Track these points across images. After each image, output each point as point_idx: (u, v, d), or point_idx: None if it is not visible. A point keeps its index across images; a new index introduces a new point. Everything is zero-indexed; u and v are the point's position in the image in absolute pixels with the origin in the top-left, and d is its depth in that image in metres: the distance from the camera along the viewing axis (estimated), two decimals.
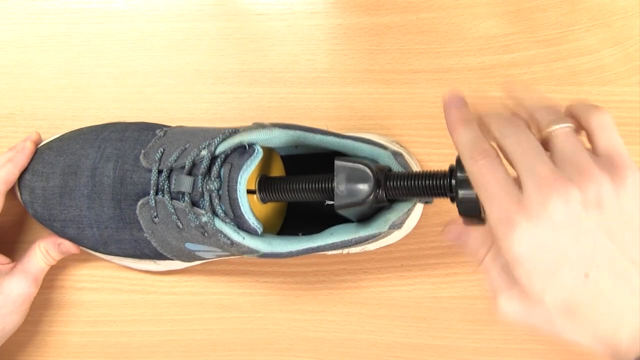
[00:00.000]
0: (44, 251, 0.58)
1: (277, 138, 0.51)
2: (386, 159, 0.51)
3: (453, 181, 0.45)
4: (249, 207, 0.49)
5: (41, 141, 0.60)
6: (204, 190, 0.49)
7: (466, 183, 0.43)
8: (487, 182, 0.38)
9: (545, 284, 0.37)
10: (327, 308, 0.62)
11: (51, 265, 0.59)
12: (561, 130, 0.39)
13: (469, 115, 0.41)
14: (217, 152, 0.50)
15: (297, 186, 0.51)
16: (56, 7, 0.63)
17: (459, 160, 0.44)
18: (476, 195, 0.43)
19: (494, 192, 0.38)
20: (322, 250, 0.52)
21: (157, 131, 0.56)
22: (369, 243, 0.53)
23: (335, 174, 0.49)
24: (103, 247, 0.58)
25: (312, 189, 0.51)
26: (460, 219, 0.44)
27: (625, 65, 0.61)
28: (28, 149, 0.58)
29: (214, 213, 0.49)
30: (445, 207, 0.60)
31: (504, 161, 0.39)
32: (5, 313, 0.56)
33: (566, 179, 0.36)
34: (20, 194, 0.59)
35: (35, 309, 0.62)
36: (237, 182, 0.48)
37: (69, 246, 0.59)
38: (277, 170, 0.57)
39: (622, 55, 0.61)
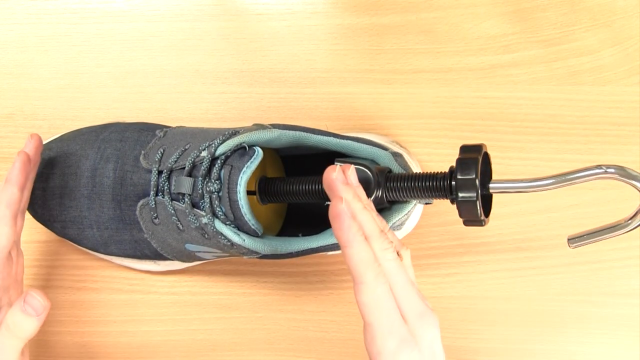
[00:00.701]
0: (9, 323, 0.49)
1: (277, 139, 0.51)
2: (386, 160, 0.51)
3: (453, 183, 0.45)
4: (249, 209, 0.49)
5: (40, 144, 0.56)
6: (204, 191, 0.49)
7: (466, 185, 0.43)
8: (381, 313, 0.42)
9: None
10: (327, 308, 0.62)
11: (25, 340, 0.50)
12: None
13: (358, 224, 0.43)
14: (217, 153, 0.50)
15: (297, 187, 0.51)
16: (56, 7, 0.63)
17: (459, 162, 0.44)
18: (477, 197, 0.43)
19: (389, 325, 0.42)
20: (322, 251, 0.52)
21: (157, 131, 0.56)
22: None
23: None
24: (103, 248, 0.58)
25: (312, 191, 0.51)
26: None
27: (625, 65, 0.61)
28: (18, 161, 0.53)
29: (214, 215, 0.49)
30: (445, 207, 0.60)
31: None
32: None
33: None
34: None
35: None
36: (237, 184, 0.48)
37: (35, 300, 0.49)
38: (277, 170, 0.57)
39: (622, 55, 0.61)
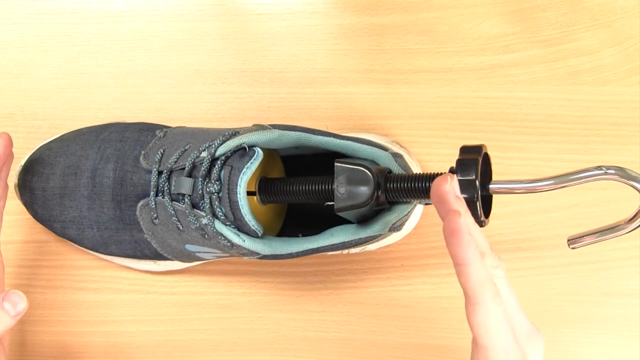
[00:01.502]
0: None
1: (277, 140, 0.51)
2: (386, 161, 0.51)
3: None
4: (249, 210, 0.49)
5: (10, 143, 0.56)
6: (204, 192, 0.49)
7: (466, 186, 0.43)
8: (498, 335, 0.41)
9: None
10: (327, 308, 0.62)
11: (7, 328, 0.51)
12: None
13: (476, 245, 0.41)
14: (217, 154, 0.50)
15: (297, 188, 0.51)
16: (56, 7, 0.63)
17: (459, 163, 0.44)
18: (476, 198, 0.43)
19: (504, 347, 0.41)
20: (322, 251, 0.52)
21: (157, 132, 0.56)
22: (369, 244, 0.53)
23: (335, 176, 0.49)
24: (103, 248, 0.58)
25: (312, 191, 0.51)
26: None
27: (625, 65, 0.61)
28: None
29: (214, 215, 0.49)
30: None
31: None
32: None
33: None
34: (20, 194, 0.59)
35: (35, 309, 0.62)
36: (237, 185, 0.48)
37: (14, 299, 0.50)
38: (277, 171, 0.57)
39: (622, 55, 0.61)
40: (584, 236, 0.46)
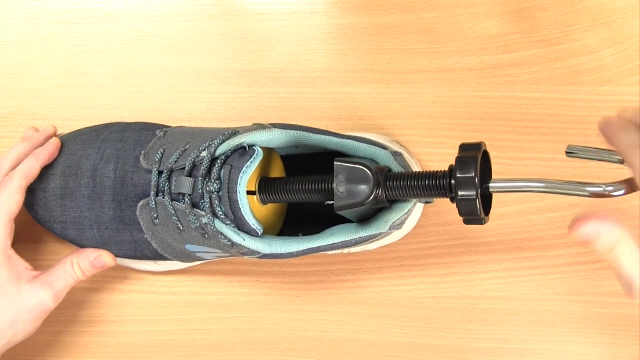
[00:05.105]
0: (75, 267, 0.56)
1: (277, 139, 0.51)
2: (386, 160, 0.51)
3: (453, 181, 0.45)
4: (249, 209, 0.49)
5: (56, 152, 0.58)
6: (204, 192, 0.49)
7: (466, 183, 0.43)
8: None
9: None
10: (327, 308, 0.62)
11: (79, 281, 0.57)
12: None
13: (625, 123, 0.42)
14: (218, 153, 0.50)
15: (297, 187, 0.51)
16: (56, 7, 0.63)
17: (458, 161, 0.44)
18: (476, 196, 0.43)
19: None
20: (323, 251, 0.52)
21: (157, 132, 0.56)
22: (369, 243, 0.53)
23: (335, 175, 0.49)
24: (103, 249, 0.58)
25: (312, 190, 0.50)
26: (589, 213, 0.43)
27: (625, 65, 0.61)
28: (53, 145, 0.57)
29: (215, 215, 0.49)
30: (445, 207, 0.60)
31: None
32: (18, 320, 0.54)
33: None
34: None
35: None
36: (237, 184, 0.48)
37: (105, 260, 0.57)
38: (278, 170, 0.57)
39: (622, 55, 0.61)
40: (582, 150, 0.46)
